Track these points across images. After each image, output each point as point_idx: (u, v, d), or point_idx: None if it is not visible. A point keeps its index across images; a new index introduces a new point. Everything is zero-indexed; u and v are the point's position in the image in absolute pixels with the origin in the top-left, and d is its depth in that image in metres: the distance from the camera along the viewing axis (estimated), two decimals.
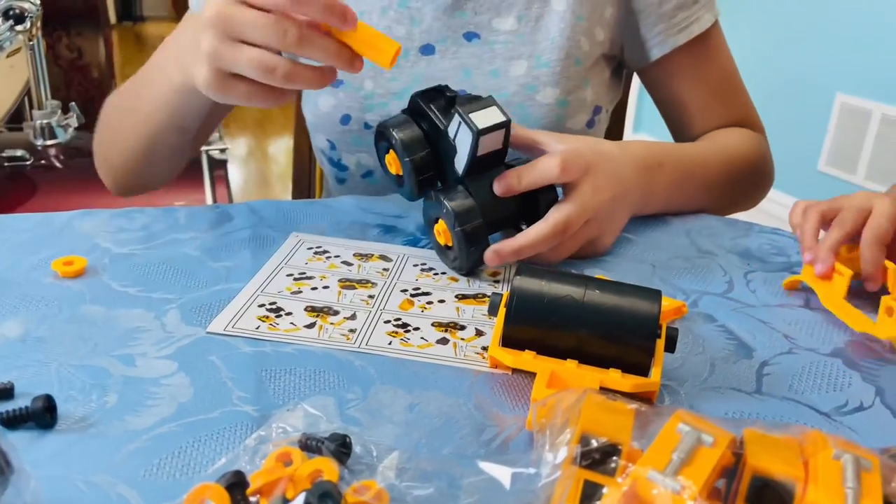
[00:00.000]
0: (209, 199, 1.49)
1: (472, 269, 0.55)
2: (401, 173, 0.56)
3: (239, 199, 2.77)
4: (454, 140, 0.53)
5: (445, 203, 0.53)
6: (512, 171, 0.55)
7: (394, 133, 0.55)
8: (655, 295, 0.42)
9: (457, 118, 0.52)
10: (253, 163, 3.29)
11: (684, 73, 0.75)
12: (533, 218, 0.55)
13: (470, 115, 0.52)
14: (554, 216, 0.54)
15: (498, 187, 0.55)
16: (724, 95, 0.78)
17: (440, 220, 0.55)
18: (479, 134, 0.51)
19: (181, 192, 1.53)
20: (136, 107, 0.65)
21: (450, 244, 0.55)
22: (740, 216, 0.70)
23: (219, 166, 1.60)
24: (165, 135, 0.64)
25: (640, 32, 0.74)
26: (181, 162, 0.71)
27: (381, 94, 0.73)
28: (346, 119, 0.74)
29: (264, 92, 0.50)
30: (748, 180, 0.76)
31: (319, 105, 0.75)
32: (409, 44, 0.73)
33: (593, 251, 0.58)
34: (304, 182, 1.08)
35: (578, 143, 0.58)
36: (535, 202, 0.56)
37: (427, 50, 0.73)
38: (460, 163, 0.54)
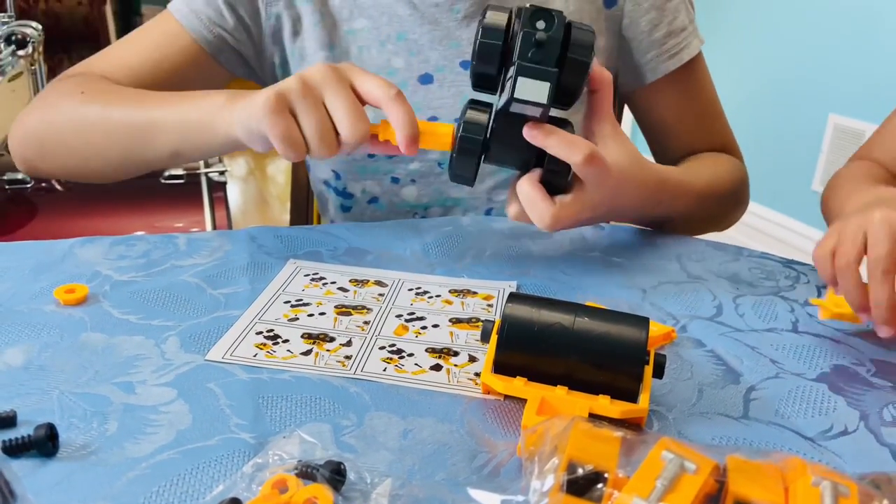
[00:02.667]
0: (208, 221, 1.50)
1: (456, 177, 0.56)
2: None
3: (238, 219, 2.79)
4: (505, 81, 0.53)
5: (466, 110, 0.55)
6: (547, 127, 0.54)
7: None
8: (643, 322, 0.43)
9: (512, 71, 0.51)
10: (252, 182, 3.31)
11: (672, 98, 0.78)
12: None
13: (519, 80, 0.50)
14: (554, 208, 0.56)
15: (527, 130, 0.54)
16: (707, 121, 0.80)
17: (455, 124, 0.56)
18: (510, 102, 0.51)
19: (180, 214, 1.54)
20: (137, 144, 0.65)
21: (451, 149, 0.55)
22: (730, 240, 0.71)
23: (218, 188, 1.61)
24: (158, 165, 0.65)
25: (633, 59, 0.76)
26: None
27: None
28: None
29: (296, 146, 0.53)
30: (729, 202, 0.78)
31: None
32: (408, 74, 0.75)
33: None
34: (303, 203, 1.10)
35: (619, 152, 0.57)
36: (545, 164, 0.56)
37: (426, 79, 0.75)
38: (501, 99, 0.54)
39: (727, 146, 0.81)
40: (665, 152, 0.82)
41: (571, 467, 0.31)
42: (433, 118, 0.75)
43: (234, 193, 3.09)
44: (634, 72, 0.77)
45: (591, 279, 0.60)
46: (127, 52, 0.75)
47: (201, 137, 0.60)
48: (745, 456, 0.32)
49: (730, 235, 2.33)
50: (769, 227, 2.29)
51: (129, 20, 5.35)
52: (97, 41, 2.74)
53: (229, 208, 1.57)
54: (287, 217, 1.13)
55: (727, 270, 0.63)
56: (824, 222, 0.69)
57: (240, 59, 0.77)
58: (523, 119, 0.54)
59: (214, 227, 1.49)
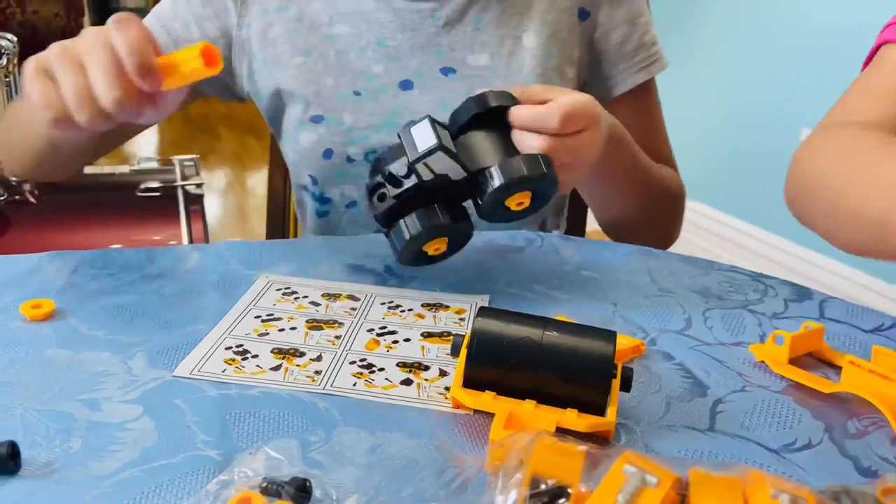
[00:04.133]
0: (184, 235, 1.49)
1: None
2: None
3: (217, 231, 2.77)
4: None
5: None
6: (515, 109, 0.55)
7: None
8: (611, 336, 0.44)
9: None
10: (231, 195, 3.29)
11: (629, 114, 0.79)
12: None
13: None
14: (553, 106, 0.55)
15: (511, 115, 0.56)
16: (656, 141, 0.83)
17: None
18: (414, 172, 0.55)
19: (157, 227, 1.53)
20: (14, 144, 0.70)
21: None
22: (704, 251, 0.72)
23: (195, 201, 1.60)
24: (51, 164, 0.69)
25: (603, 71, 0.78)
26: (82, 164, 0.76)
27: (361, 128, 0.76)
28: (328, 153, 0.77)
29: (53, 109, 0.50)
30: (668, 209, 0.80)
31: (301, 141, 0.77)
32: (388, 79, 0.75)
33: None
34: (279, 215, 1.09)
35: (583, 99, 0.58)
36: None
37: (406, 85, 0.76)
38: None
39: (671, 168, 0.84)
40: None
41: (535, 482, 0.31)
42: (412, 122, 0.75)
43: (213, 206, 3.07)
44: (603, 84, 0.78)
45: (563, 293, 0.61)
46: None
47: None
48: (707, 469, 0.32)
49: (703, 247, 2.35)
50: (742, 239, 2.32)
51: None
52: None
53: (206, 221, 1.56)
54: (266, 230, 1.13)
55: (697, 284, 0.63)
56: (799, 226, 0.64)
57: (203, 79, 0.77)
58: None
59: (191, 241, 1.47)
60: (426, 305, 0.58)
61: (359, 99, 0.75)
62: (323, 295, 0.58)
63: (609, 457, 0.32)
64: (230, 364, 0.48)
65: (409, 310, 0.57)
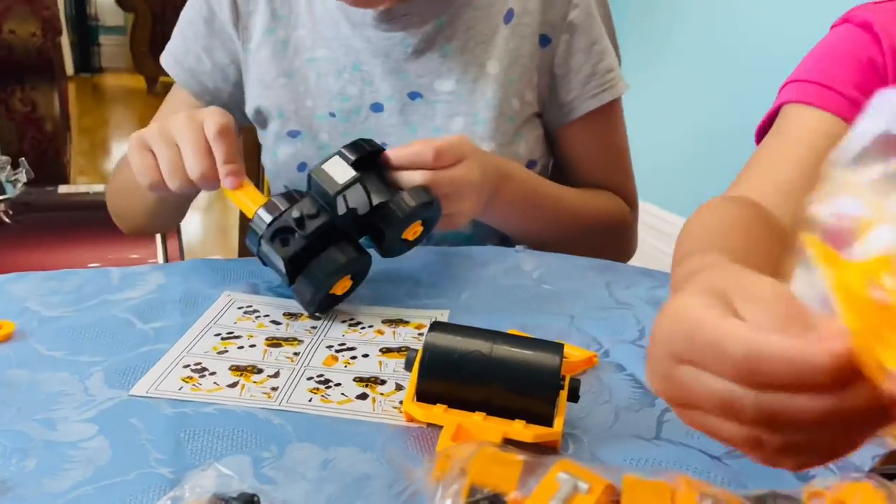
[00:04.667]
0: (160, 253, 1.49)
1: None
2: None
3: (197, 248, 2.76)
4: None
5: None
6: (393, 150, 0.62)
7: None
8: (557, 348, 0.45)
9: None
10: (212, 212, 3.29)
11: (586, 137, 0.82)
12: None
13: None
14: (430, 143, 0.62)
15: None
16: (612, 166, 0.85)
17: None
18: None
19: (134, 245, 1.53)
20: (131, 204, 0.80)
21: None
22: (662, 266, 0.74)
23: None
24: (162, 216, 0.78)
25: (560, 96, 0.80)
26: (185, 212, 0.84)
27: (334, 147, 0.78)
28: (302, 167, 0.80)
29: (152, 176, 0.61)
30: (602, 237, 0.82)
31: (278, 154, 0.82)
32: (361, 101, 0.79)
33: (449, 226, 0.66)
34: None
35: (454, 138, 0.65)
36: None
37: (377, 108, 0.79)
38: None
39: (626, 194, 0.86)
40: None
41: (473, 491, 0.32)
42: (383, 144, 0.77)
43: (194, 223, 3.06)
44: (561, 109, 0.81)
45: (522, 306, 0.62)
46: (162, 117, 0.84)
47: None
48: (640, 475, 0.34)
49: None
50: None
51: (87, 50, 5.32)
52: (52, 72, 2.71)
53: (182, 239, 1.56)
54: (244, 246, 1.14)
55: (654, 296, 0.65)
56: None
57: (220, 104, 0.83)
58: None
59: (166, 259, 1.48)
60: (386, 321, 0.59)
61: (333, 120, 0.80)
62: (284, 314, 0.59)
63: (545, 465, 0.33)
64: (187, 382, 0.49)
65: (370, 326, 0.58)
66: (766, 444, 0.29)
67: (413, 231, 0.62)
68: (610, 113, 0.82)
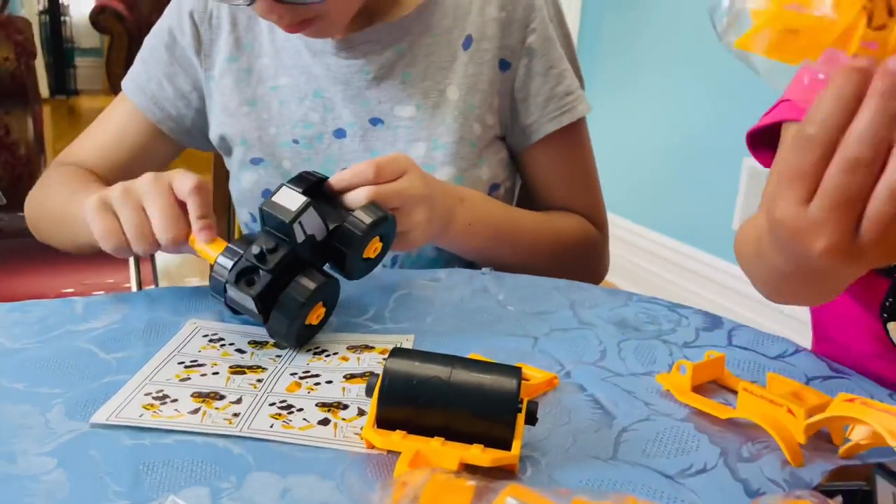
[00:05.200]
0: (133, 277, 1.48)
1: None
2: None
3: (173, 271, 2.74)
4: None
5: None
6: (335, 176, 0.63)
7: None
8: (515, 372, 0.45)
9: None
10: None
11: (549, 158, 0.83)
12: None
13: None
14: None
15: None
16: (578, 186, 0.86)
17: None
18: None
19: (108, 270, 1.52)
20: (60, 235, 0.78)
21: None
22: (655, 276, 0.75)
23: None
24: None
25: (521, 119, 0.82)
26: None
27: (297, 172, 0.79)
28: (266, 193, 0.82)
29: (116, 242, 0.60)
30: (567, 259, 0.83)
31: (242, 181, 0.83)
32: (324, 128, 0.81)
33: (405, 245, 0.67)
34: None
35: (392, 154, 0.67)
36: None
37: (339, 133, 0.81)
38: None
39: (592, 215, 0.87)
40: (535, 209, 0.87)
41: None
42: (269, 194, 0.79)
43: None
44: (522, 132, 0.82)
45: (486, 328, 0.63)
46: (96, 134, 0.86)
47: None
48: (589, 498, 0.34)
49: (655, 272, 2.41)
50: (695, 265, 2.38)
51: (62, 73, 5.29)
52: (26, 96, 2.69)
53: (155, 263, 1.56)
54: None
55: (616, 316, 0.66)
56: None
57: (183, 130, 0.85)
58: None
59: (140, 283, 1.47)
60: (351, 348, 0.59)
61: (296, 146, 0.81)
62: (250, 342, 0.59)
63: (496, 491, 0.34)
64: (148, 409, 0.49)
65: (335, 354, 0.58)
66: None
67: (373, 248, 0.62)
68: (572, 134, 0.83)
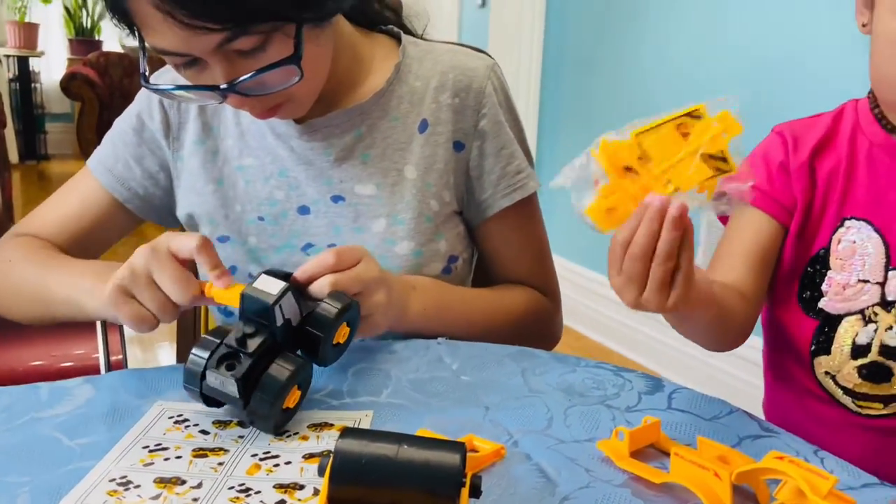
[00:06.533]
0: (101, 348, 1.49)
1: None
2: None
3: (144, 338, 2.73)
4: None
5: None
6: (300, 269, 0.67)
7: None
8: (460, 447, 0.48)
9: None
10: None
11: (502, 232, 0.89)
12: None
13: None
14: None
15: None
16: (529, 258, 0.91)
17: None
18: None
19: (77, 341, 1.52)
20: (19, 305, 0.81)
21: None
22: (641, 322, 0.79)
23: None
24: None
25: (476, 196, 0.87)
26: None
27: (263, 249, 0.86)
28: (233, 270, 0.85)
29: (147, 322, 0.66)
30: (519, 331, 0.87)
31: None
32: (289, 205, 0.85)
33: (369, 328, 0.71)
34: (190, 319, 1.12)
35: (349, 245, 0.71)
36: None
37: (303, 210, 0.85)
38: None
39: (544, 285, 0.92)
40: (491, 281, 0.92)
41: None
42: (309, 244, 0.85)
43: None
44: (478, 207, 0.87)
45: (440, 399, 0.66)
46: (57, 207, 0.88)
47: (81, 312, 0.74)
48: None
49: (612, 317, 2.45)
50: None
51: (33, 138, 5.31)
52: None
53: (123, 332, 1.56)
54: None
55: (564, 382, 0.69)
56: None
57: (150, 207, 0.89)
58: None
59: (107, 353, 1.47)
60: (311, 426, 0.62)
61: (262, 223, 0.85)
62: (213, 423, 0.62)
63: None
64: (112, 496, 0.51)
65: (296, 433, 0.60)
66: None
67: (342, 334, 0.66)
68: (524, 209, 0.88)
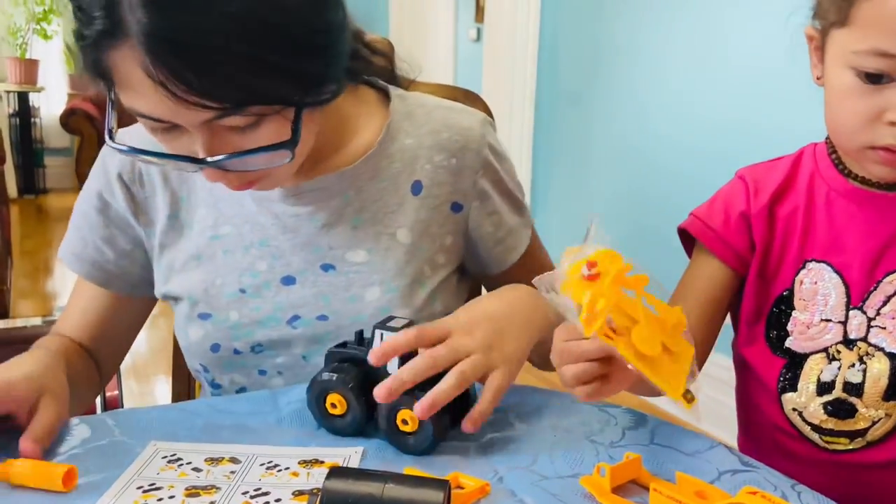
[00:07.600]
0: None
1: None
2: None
3: (142, 368, 2.73)
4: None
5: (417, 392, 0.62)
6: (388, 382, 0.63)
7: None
8: (443, 485, 0.50)
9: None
10: (156, 330, 3.27)
11: (510, 279, 0.85)
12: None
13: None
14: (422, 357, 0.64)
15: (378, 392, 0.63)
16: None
17: (404, 409, 0.63)
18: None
19: None
20: None
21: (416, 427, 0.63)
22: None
23: None
24: None
25: (479, 254, 0.86)
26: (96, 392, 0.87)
27: (246, 324, 0.80)
28: (216, 347, 0.81)
29: None
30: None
31: (189, 336, 0.81)
32: (271, 276, 0.80)
33: (496, 386, 0.65)
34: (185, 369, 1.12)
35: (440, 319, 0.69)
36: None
37: (288, 281, 0.80)
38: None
39: None
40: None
41: None
42: (296, 316, 0.80)
43: (140, 340, 3.04)
44: (481, 264, 0.87)
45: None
46: (70, 308, 0.86)
47: None
48: None
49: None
50: None
51: (32, 172, 5.35)
52: None
53: (121, 376, 1.57)
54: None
55: (550, 417, 0.71)
56: None
57: (130, 285, 0.85)
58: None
59: (103, 391, 1.48)
60: (302, 463, 0.63)
61: (244, 296, 0.80)
62: (206, 460, 0.63)
63: None
64: None
65: (286, 469, 0.62)
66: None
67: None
68: (525, 256, 0.88)
